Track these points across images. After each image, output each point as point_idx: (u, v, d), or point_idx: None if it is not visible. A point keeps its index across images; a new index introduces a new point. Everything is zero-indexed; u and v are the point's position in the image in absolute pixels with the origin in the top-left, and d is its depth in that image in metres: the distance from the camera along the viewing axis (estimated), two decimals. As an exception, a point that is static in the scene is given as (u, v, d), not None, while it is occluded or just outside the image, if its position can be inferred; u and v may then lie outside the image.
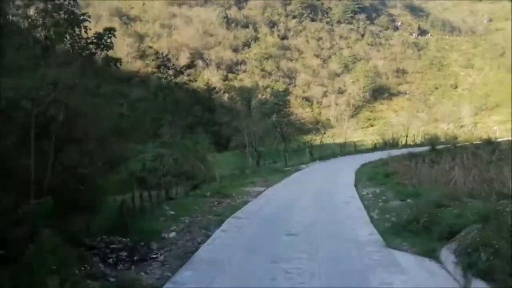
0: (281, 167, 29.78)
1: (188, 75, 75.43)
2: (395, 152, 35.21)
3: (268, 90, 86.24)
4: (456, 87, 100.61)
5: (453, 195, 12.77)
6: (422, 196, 14.48)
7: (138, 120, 65.41)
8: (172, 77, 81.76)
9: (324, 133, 40.30)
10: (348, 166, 27.09)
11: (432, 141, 38.99)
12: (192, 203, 16.24)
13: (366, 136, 72.47)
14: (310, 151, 36.76)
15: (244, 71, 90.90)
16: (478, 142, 37.60)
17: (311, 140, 43.55)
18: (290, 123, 64.49)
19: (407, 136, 47.80)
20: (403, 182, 18.18)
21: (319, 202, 15.33)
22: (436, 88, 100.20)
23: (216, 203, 16.45)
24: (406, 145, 43.68)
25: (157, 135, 61.68)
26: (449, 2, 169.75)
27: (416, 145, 44.03)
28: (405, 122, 64.73)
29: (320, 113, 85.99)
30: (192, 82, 71.83)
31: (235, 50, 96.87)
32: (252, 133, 38.68)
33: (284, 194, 17.86)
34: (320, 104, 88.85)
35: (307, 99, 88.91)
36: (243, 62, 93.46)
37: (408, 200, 14.48)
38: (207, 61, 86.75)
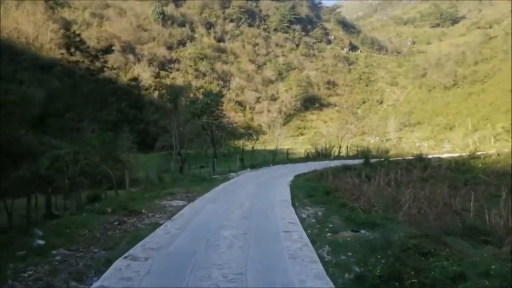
0: (208, 175, 25.63)
1: (105, 61, 67.96)
2: (328, 163, 32.51)
3: (202, 91, 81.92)
4: (381, 102, 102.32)
5: (428, 232, 9.49)
6: (381, 228, 11.15)
7: (56, 111, 57.81)
8: (90, 66, 74.76)
9: (257, 139, 36.30)
10: (281, 177, 23.44)
11: (365, 154, 36.84)
12: (82, 223, 11.67)
13: (297, 145, 70.28)
14: (241, 158, 32.86)
15: (178, 70, 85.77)
16: (409, 157, 35.99)
17: (242, 146, 39.52)
18: (222, 126, 60.57)
19: (340, 147, 45.32)
20: (350, 204, 14.81)
21: (252, 228, 11.41)
22: (364, 102, 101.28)
23: (116, 223, 12.01)
24: (338, 157, 41.03)
25: (77, 130, 55.09)
26: (377, 23, 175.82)
27: (348, 157, 41.60)
28: (335, 133, 63.35)
29: (253, 118, 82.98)
30: (110, 69, 65.28)
31: (170, 47, 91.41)
32: (177, 134, 34.10)
33: (207, 214, 13.66)
34: (253, 110, 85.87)
35: (240, 103, 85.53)
36: (177, 61, 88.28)
37: (364, 232, 11.08)
38: (139, 56, 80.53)
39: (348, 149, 44.91)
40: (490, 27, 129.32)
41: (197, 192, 18.42)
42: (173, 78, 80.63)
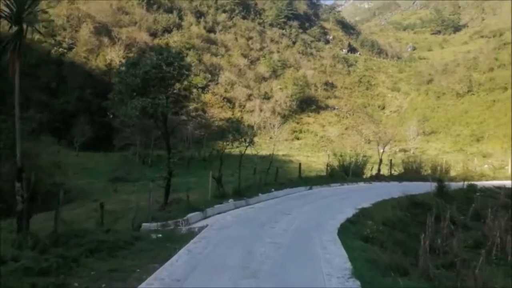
0: (133, 225, 11.41)
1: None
2: (369, 189, 20.63)
3: (186, 84, 70.06)
4: (383, 108, 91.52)
5: None
6: None
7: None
8: (65, 50, 62.88)
9: (251, 142, 21.78)
10: (314, 241, 9.83)
11: (439, 178, 23.42)
12: None
13: (293, 151, 58.95)
14: (219, 178, 16.99)
15: (160, 59, 73.50)
16: (497, 184, 23.03)
17: (222, 151, 23.85)
18: (205, 124, 48.91)
19: (380, 161, 30.29)
20: None
21: None
22: (365, 107, 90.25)
23: None
24: (377, 177, 27.14)
25: (24, 118, 41.47)
26: (376, 27, 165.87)
27: (392, 177, 28.08)
28: (338, 137, 51.92)
29: (242, 117, 70.90)
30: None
31: (153, 34, 79.61)
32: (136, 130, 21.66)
33: None
34: (243, 108, 74.07)
35: (229, 100, 73.65)
36: (160, 49, 76.06)
37: None
38: (115, 39, 68.30)
39: (392, 165, 31.41)
40: (494, 36, 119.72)
41: None
42: (153, 67, 68.49)
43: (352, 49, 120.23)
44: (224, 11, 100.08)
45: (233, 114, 70.83)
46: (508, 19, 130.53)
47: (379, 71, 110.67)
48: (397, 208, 13.91)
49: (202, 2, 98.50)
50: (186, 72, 16.20)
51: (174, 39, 79.66)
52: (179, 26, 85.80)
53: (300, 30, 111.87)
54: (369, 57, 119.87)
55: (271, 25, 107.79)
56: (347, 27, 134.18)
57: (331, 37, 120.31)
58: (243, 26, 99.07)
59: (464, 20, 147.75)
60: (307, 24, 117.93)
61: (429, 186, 17.92)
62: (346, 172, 24.25)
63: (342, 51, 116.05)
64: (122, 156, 37.71)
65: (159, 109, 14.46)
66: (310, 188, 20.93)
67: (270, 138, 56.96)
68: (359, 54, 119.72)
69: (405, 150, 53.17)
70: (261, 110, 72.34)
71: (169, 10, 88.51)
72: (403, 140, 59.05)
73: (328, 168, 23.87)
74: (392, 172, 28.33)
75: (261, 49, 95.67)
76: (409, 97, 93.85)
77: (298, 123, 76.27)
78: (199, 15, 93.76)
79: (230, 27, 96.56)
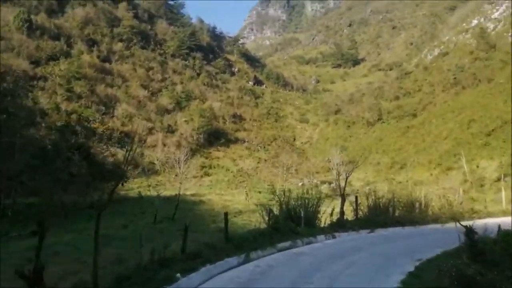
0: None
1: None
2: (349, 254, 13.34)
3: (74, 116, 60.87)
4: (294, 139, 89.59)
5: None
6: None
7: None
8: None
9: (123, 177, 14.71)
10: None
11: (385, 215, 17.27)
12: None
13: (203, 189, 52.76)
14: (36, 273, 7.38)
15: (42, 89, 63.73)
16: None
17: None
18: (91, 160, 41.25)
19: (343, 200, 21.50)
20: None
21: None
22: (275, 139, 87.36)
23: None
24: (340, 224, 19.14)
25: None
26: (279, 61, 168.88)
27: (359, 222, 20.55)
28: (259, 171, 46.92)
29: (143, 154, 63.32)
30: None
31: (35, 62, 69.34)
32: None
33: None
34: (144, 143, 66.43)
35: (127, 134, 65.57)
36: (42, 78, 66.31)
37: None
38: (-16, 67, 57.47)
39: (358, 205, 21.75)
40: (391, 69, 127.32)
41: None
42: (32, 99, 58.75)
43: (258, 82, 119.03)
44: (121, 40, 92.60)
45: (131, 150, 62.79)
46: (400, 53, 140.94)
47: (286, 103, 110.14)
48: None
49: (95, 30, 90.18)
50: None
51: (61, 68, 70.33)
52: (67, 54, 76.50)
53: (204, 62, 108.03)
54: (275, 89, 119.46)
55: (173, 56, 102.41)
56: (252, 60, 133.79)
57: (236, 69, 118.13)
58: (142, 56, 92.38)
59: (361, 54, 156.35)
60: (211, 56, 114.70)
61: (423, 233, 12.73)
62: (293, 220, 16.89)
63: (249, 83, 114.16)
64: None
65: None
66: (247, 259, 11.68)
67: (176, 175, 50.07)
68: (265, 86, 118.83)
69: (329, 182, 49.71)
70: (164, 145, 65.44)
71: (56, 37, 79.00)
72: (321, 172, 56.06)
73: (269, 217, 15.69)
74: (359, 214, 22.06)
75: (163, 80, 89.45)
76: (319, 128, 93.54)
77: (207, 158, 70.37)
78: (92, 43, 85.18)
79: (127, 57, 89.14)
